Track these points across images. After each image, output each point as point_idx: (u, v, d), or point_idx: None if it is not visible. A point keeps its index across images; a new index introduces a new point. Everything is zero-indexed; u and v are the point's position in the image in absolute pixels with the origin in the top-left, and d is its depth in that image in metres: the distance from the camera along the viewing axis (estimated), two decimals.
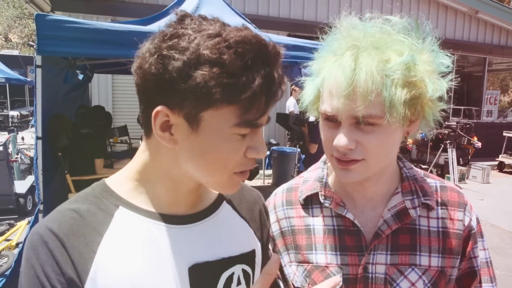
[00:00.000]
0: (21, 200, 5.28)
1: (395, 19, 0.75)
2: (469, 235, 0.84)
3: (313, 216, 0.87)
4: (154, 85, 0.57)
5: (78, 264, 0.59)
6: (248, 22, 4.38)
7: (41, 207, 2.95)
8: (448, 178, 7.94)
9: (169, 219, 0.66)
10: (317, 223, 0.86)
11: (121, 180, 0.68)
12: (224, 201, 0.76)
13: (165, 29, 0.58)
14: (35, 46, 2.78)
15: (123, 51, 2.88)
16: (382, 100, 0.68)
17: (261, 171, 6.32)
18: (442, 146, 8.10)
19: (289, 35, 8.90)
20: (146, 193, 0.67)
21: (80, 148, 3.80)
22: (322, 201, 0.85)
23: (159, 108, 0.57)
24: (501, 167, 9.95)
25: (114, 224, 0.63)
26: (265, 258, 0.81)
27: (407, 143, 8.75)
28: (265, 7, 8.77)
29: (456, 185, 7.62)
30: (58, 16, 2.85)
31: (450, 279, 0.82)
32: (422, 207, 0.82)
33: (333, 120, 0.74)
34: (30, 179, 5.76)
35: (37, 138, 2.93)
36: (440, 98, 0.75)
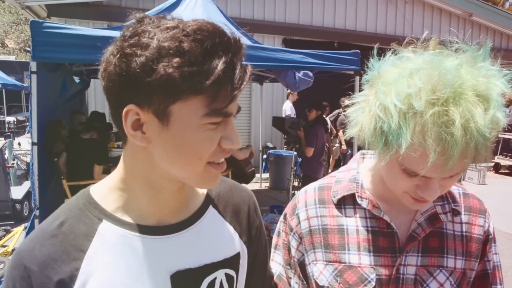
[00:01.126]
0: (18, 206, 5.26)
1: (463, 48, 0.72)
2: (487, 240, 0.88)
3: (346, 216, 0.88)
4: (120, 85, 0.57)
5: (60, 286, 0.60)
6: (238, 28, 4.41)
7: (37, 212, 2.95)
8: None
9: (152, 230, 0.67)
10: (351, 223, 0.87)
11: (105, 191, 0.68)
12: (210, 206, 0.76)
13: (125, 30, 0.59)
14: (31, 52, 2.80)
15: None
16: (473, 154, 0.66)
17: (257, 175, 6.34)
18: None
19: (284, 39, 8.96)
20: (129, 204, 0.67)
21: (81, 153, 3.81)
22: (359, 202, 0.86)
23: (128, 107, 0.57)
24: (497, 168, 10.00)
25: (97, 239, 0.64)
26: (252, 255, 0.82)
27: None
28: (260, 12, 8.82)
29: None
30: (53, 22, 2.87)
31: (469, 281, 0.86)
32: (451, 212, 0.86)
33: (419, 175, 0.70)
34: (26, 185, 5.75)
35: (33, 144, 2.94)
36: None
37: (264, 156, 7.46)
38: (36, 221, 2.95)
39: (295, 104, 7.58)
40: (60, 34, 2.75)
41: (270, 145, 8.18)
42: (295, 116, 7.20)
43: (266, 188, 7.22)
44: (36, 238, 0.63)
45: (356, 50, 3.89)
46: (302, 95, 6.86)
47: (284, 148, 7.37)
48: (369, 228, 0.85)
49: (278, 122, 5.77)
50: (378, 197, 0.87)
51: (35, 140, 2.93)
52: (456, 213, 0.86)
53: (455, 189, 0.91)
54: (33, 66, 2.83)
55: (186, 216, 0.72)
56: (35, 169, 2.94)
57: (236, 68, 0.58)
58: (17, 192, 5.42)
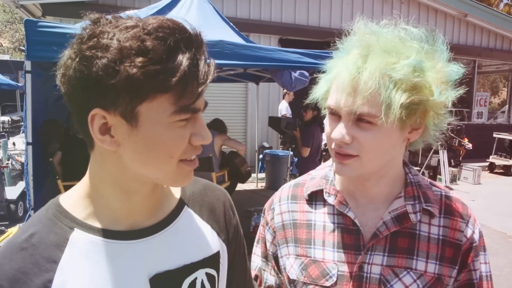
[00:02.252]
0: (12, 206, 5.23)
1: (412, 28, 0.78)
2: (471, 248, 0.84)
3: (315, 212, 0.89)
4: (83, 89, 0.55)
5: None
6: (232, 27, 4.41)
7: (32, 213, 2.93)
8: (440, 180, 8.01)
9: (127, 235, 0.66)
10: (319, 219, 0.88)
11: (75, 199, 0.67)
12: (185, 206, 0.75)
13: (81, 32, 0.57)
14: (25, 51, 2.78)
15: None
16: (381, 100, 0.70)
17: (254, 175, 6.34)
18: (433, 148, 8.18)
19: (280, 39, 8.97)
20: (101, 210, 0.66)
21: (77, 152, 3.78)
22: (326, 197, 0.87)
23: (94, 111, 0.56)
24: (491, 168, 10.08)
25: (69, 249, 0.62)
26: (231, 253, 0.81)
27: None
28: (257, 12, 8.82)
29: (448, 186, 7.70)
30: (48, 21, 2.86)
31: (446, 287, 0.83)
32: (423, 213, 0.83)
33: (335, 114, 0.78)
34: (21, 185, 5.71)
35: (27, 143, 2.92)
36: (446, 109, 0.77)
37: (260, 156, 7.46)
38: None
39: (291, 104, 7.59)
40: (54, 33, 2.73)
41: (266, 145, 8.18)
42: (291, 116, 7.21)
43: (263, 188, 7.22)
44: (4, 253, 0.61)
45: None
46: (298, 95, 6.87)
47: (280, 148, 7.38)
48: (335, 224, 0.86)
49: (274, 122, 5.78)
50: (347, 194, 0.87)
51: (30, 140, 2.91)
52: (430, 214, 0.84)
53: (436, 191, 0.88)
54: (28, 65, 2.82)
55: (160, 218, 0.70)
56: (30, 169, 2.92)
57: (200, 64, 0.57)
58: (12, 192, 5.39)
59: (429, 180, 0.92)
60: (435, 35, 0.79)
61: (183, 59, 0.55)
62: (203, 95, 0.60)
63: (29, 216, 2.96)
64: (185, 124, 0.59)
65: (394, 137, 0.76)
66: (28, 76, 2.83)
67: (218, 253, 0.76)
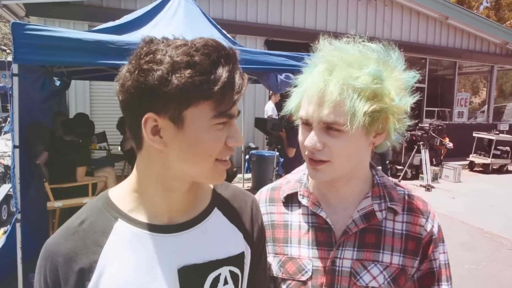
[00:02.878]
0: None
1: (370, 44, 0.86)
2: (430, 240, 0.93)
3: (291, 213, 0.97)
4: (139, 96, 0.65)
5: (80, 276, 0.70)
6: (218, 29, 4.46)
7: (18, 216, 2.93)
8: (422, 178, 8.22)
9: (162, 229, 0.74)
10: (294, 219, 0.96)
11: (122, 193, 0.77)
12: (215, 208, 0.83)
13: (138, 50, 0.67)
14: (7, 51, 2.78)
15: (101, 60, 2.92)
16: (346, 109, 0.78)
17: (240, 175, 6.39)
18: (416, 147, 8.39)
19: (266, 41, 9.04)
20: (143, 204, 0.75)
21: (63, 156, 3.79)
22: (300, 199, 0.95)
23: (147, 115, 0.65)
24: (471, 166, 10.37)
25: (113, 236, 0.73)
26: (256, 255, 0.88)
27: None
28: (243, 13, 8.88)
29: (429, 184, 7.91)
30: (35, 24, 2.86)
31: (409, 276, 0.92)
32: (388, 211, 0.92)
33: (308, 124, 0.86)
34: (5, 188, 5.63)
35: (14, 146, 2.92)
36: (406, 114, 0.85)
37: (247, 157, 7.52)
38: (18, 224, 2.92)
39: (277, 105, 7.68)
40: (42, 36, 2.74)
41: (252, 145, 8.25)
42: (277, 117, 7.29)
43: (249, 188, 7.28)
44: (61, 234, 0.73)
45: None
46: (284, 96, 6.94)
47: (266, 149, 7.45)
48: (310, 224, 0.94)
49: (260, 123, 5.85)
50: (320, 196, 0.95)
51: (17, 143, 2.91)
52: (394, 212, 0.92)
53: (400, 191, 0.97)
54: (15, 68, 2.82)
55: (193, 216, 0.79)
56: (17, 172, 2.92)
57: (236, 76, 0.67)
58: None
59: (394, 180, 1.01)
60: (391, 47, 0.87)
61: (223, 72, 0.65)
62: (237, 103, 0.69)
63: (16, 219, 2.96)
64: (223, 127, 0.69)
65: (361, 142, 0.84)
66: (15, 79, 2.83)
67: (242, 253, 0.83)
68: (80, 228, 0.73)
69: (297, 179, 1.00)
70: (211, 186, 0.87)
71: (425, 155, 8.12)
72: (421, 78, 0.89)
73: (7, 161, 7.31)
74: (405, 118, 0.86)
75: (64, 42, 2.82)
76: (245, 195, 0.93)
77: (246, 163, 7.58)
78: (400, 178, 8.33)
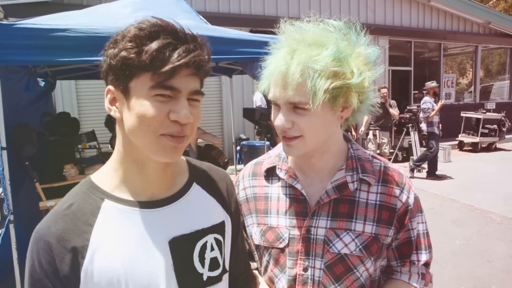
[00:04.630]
0: None
1: (331, 21, 0.89)
2: (406, 210, 0.97)
3: (271, 185, 1.02)
4: (104, 72, 0.75)
5: (74, 254, 0.73)
6: (205, 22, 4.44)
7: (11, 217, 2.92)
8: (413, 160, 8.32)
9: (147, 205, 0.79)
10: (274, 191, 1.01)
11: (103, 175, 0.82)
12: (194, 183, 0.88)
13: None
14: None
15: (84, 57, 2.90)
16: (308, 89, 0.82)
17: (232, 166, 6.42)
18: (405, 130, 8.47)
19: (251, 31, 9.01)
20: (124, 183, 0.79)
21: (49, 155, 3.78)
22: (278, 173, 1.00)
23: (108, 87, 0.75)
24: (461, 146, 10.52)
25: (101, 215, 0.76)
26: (235, 225, 0.95)
27: None
28: (225, 4, 8.82)
29: (420, 165, 8.01)
30: (14, 23, 2.82)
31: (383, 245, 0.96)
32: (361, 182, 0.96)
33: (277, 105, 0.89)
34: None
35: (2, 148, 2.91)
36: (368, 87, 0.87)
37: (238, 148, 7.55)
38: (11, 225, 2.92)
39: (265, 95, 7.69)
40: (22, 36, 2.71)
41: (243, 136, 8.27)
42: (266, 107, 7.30)
43: None
44: (50, 218, 0.77)
45: None
46: None
47: (257, 139, 7.49)
48: (287, 195, 0.99)
49: (249, 113, 5.86)
50: (297, 169, 1.00)
51: (4, 145, 2.89)
52: (369, 183, 0.96)
53: (376, 163, 1.01)
54: None
55: (174, 191, 0.84)
56: (6, 174, 2.90)
57: (176, 49, 0.69)
58: None
59: (371, 153, 1.05)
60: (353, 23, 0.90)
61: (156, 44, 0.69)
62: (189, 80, 0.72)
63: (9, 220, 2.95)
64: (166, 100, 0.71)
65: (327, 117, 0.88)
66: None
67: (223, 222, 0.89)
68: (68, 211, 0.76)
69: (277, 154, 1.05)
70: (186, 163, 0.92)
71: (414, 137, 8.21)
72: (379, 52, 0.91)
73: None
74: (368, 91, 0.89)
75: (46, 41, 2.79)
76: (219, 170, 0.99)
77: (238, 154, 7.61)
78: (391, 161, 8.43)
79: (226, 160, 4.64)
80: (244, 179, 1.08)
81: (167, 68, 0.68)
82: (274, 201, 1.00)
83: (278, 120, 0.88)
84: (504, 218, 5.15)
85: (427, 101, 7.41)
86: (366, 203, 0.95)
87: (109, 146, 5.55)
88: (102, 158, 5.77)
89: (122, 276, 0.74)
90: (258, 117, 5.11)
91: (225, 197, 0.93)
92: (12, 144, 3.18)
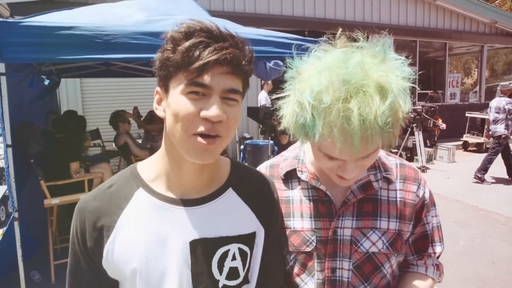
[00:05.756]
0: None
1: (366, 46, 0.80)
2: (423, 205, 0.98)
3: (292, 189, 1.00)
4: (156, 75, 0.78)
5: (100, 232, 0.79)
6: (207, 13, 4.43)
7: (16, 214, 2.94)
8: (417, 160, 8.29)
9: (177, 202, 0.81)
10: (295, 194, 0.99)
11: (147, 164, 0.86)
12: (230, 188, 0.87)
13: None
14: None
15: (89, 55, 2.91)
16: (374, 140, 0.76)
17: (260, 165, 6.44)
18: (409, 129, 8.44)
19: None
20: (161, 176, 0.83)
21: (55, 153, 3.79)
22: (299, 175, 0.98)
23: (156, 89, 0.79)
24: (465, 146, 10.46)
25: (133, 202, 0.81)
26: (270, 238, 0.90)
27: None
28: (230, 4, 8.81)
29: (424, 166, 7.98)
30: (21, 21, 2.83)
31: (405, 239, 0.97)
32: (383, 180, 0.96)
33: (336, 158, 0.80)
34: (1, 189, 5.62)
35: (7, 146, 2.92)
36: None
37: (242, 147, 7.54)
38: (16, 223, 2.94)
39: (270, 93, 7.68)
40: (29, 33, 2.72)
41: (247, 135, 8.26)
42: (270, 106, 7.30)
43: None
44: (93, 193, 0.84)
45: (325, 38, 3.99)
46: (276, 84, 6.94)
47: (261, 138, 7.48)
48: (310, 197, 0.97)
49: (253, 112, 5.86)
50: (318, 171, 0.98)
51: (10, 142, 2.90)
52: (389, 181, 0.96)
53: (392, 161, 1.01)
54: (2, 67, 2.80)
55: (206, 193, 0.84)
56: (11, 171, 2.92)
57: (209, 47, 0.70)
58: None
59: (385, 151, 1.03)
60: (384, 44, 0.81)
61: (187, 43, 0.70)
62: (223, 78, 0.71)
63: (13, 217, 2.97)
64: (199, 98, 0.71)
65: None
66: (3, 78, 2.81)
67: (254, 233, 0.86)
68: (108, 191, 0.83)
69: (294, 155, 1.03)
70: (229, 166, 0.90)
71: (419, 137, 8.18)
72: (411, 60, 0.85)
73: (2, 163, 7.28)
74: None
75: (52, 39, 2.80)
76: (264, 178, 0.95)
77: (242, 153, 7.60)
78: None
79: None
80: None
81: (196, 65, 0.69)
82: (296, 204, 0.98)
83: (348, 174, 0.82)
84: (508, 219, 5.11)
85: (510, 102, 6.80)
86: (388, 200, 0.96)
87: (113, 144, 5.56)
88: (106, 156, 5.79)
89: (137, 263, 0.77)
90: (262, 116, 5.11)
91: (263, 207, 0.89)
92: (17, 142, 3.19)
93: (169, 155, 0.81)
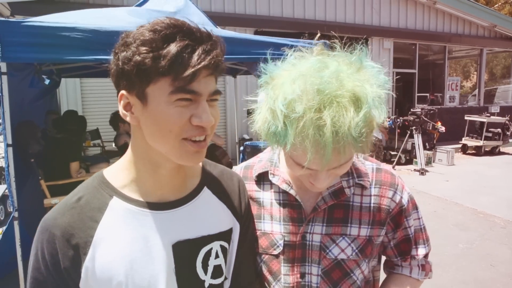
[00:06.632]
0: None
1: (342, 55, 0.79)
2: (401, 211, 0.97)
3: (263, 191, 0.99)
4: (116, 77, 0.71)
5: (76, 249, 0.72)
6: (209, 18, 4.45)
7: (16, 214, 2.94)
8: (416, 163, 8.30)
9: (155, 206, 0.77)
10: (266, 197, 0.98)
11: (115, 172, 0.80)
12: (205, 187, 0.86)
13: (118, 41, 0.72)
14: None
15: (90, 55, 2.91)
16: (346, 151, 0.75)
17: (235, 167, 6.43)
18: (409, 132, 8.46)
19: (256, 32, 9.02)
20: (135, 182, 0.78)
21: (55, 153, 3.79)
22: (271, 178, 0.97)
23: (121, 92, 0.71)
24: (464, 149, 10.48)
25: (108, 212, 0.75)
26: (243, 231, 0.91)
27: None
28: (231, 4, 8.83)
29: (423, 168, 7.99)
30: (22, 20, 2.83)
31: (376, 244, 0.97)
32: (356, 186, 0.95)
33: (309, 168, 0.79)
34: (0, 189, 5.62)
35: (8, 145, 2.92)
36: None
37: (241, 148, 7.54)
38: (16, 222, 2.93)
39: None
40: (30, 33, 2.72)
41: (246, 137, 8.26)
42: None
43: None
44: (58, 209, 0.76)
45: (324, 40, 4.01)
46: None
47: (260, 139, 7.47)
48: (281, 201, 0.96)
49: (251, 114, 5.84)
50: (291, 175, 0.97)
51: (10, 142, 2.90)
52: (362, 187, 0.95)
53: (368, 165, 1.00)
54: (3, 67, 2.80)
55: (184, 194, 0.82)
56: (11, 170, 2.92)
57: (195, 52, 0.67)
58: None
59: (363, 155, 1.01)
60: (361, 52, 0.80)
61: (174, 47, 0.66)
62: (208, 81, 0.69)
63: (13, 217, 2.97)
64: (187, 104, 0.68)
65: None
66: (5, 77, 2.81)
67: (231, 229, 0.87)
68: (77, 204, 0.76)
69: (268, 158, 1.02)
70: (200, 165, 0.90)
71: (418, 139, 8.20)
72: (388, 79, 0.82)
73: (1, 163, 7.27)
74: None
75: (53, 39, 2.80)
76: (233, 174, 0.97)
77: (241, 155, 7.61)
78: (394, 163, 8.41)
79: (229, 160, 4.64)
80: None
81: (188, 72, 0.65)
82: (267, 207, 0.97)
83: (319, 183, 0.82)
84: (507, 222, 5.12)
85: None
86: (361, 206, 0.95)
87: (113, 144, 5.56)
88: (106, 156, 5.79)
89: (122, 276, 0.72)
90: None
91: (236, 202, 0.91)
92: (17, 141, 3.19)
93: (143, 161, 0.76)
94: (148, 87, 0.68)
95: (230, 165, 4.69)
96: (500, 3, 22.02)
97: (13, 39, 2.70)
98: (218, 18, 7.26)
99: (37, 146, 3.59)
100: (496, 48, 13.42)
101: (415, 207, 1.02)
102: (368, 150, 0.79)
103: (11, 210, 3.00)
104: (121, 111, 0.72)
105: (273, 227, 0.96)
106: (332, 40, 0.84)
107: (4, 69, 2.81)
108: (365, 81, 0.75)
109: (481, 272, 3.72)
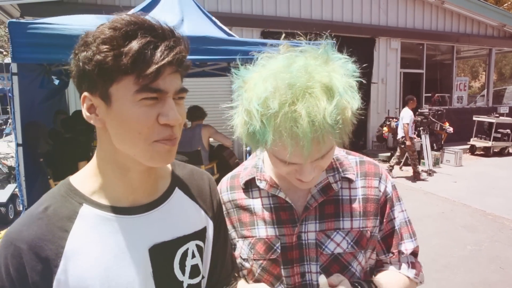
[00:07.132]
0: (2, 209, 5.23)
1: (308, 49, 0.80)
2: (386, 200, 0.99)
3: (253, 197, 0.99)
4: (77, 77, 0.68)
5: (46, 262, 0.68)
6: (214, 22, 4.46)
7: None
8: (424, 163, 8.25)
9: (127, 211, 0.75)
10: (256, 203, 0.99)
11: (83, 178, 0.77)
12: (176, 187, 0.85)
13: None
14: (4, 52, 2.79)
15: None
16: (325, 140, 0.76)
17: (222, 178, 6.45)
18: (416, 132, 8.40)
19: (263, 32, 9.03)
20: (105, 188, 0.75)
21: (64, 152, 3.82)
22: (258, 184, 0.98)
23: (83, 94, 0.68)
24: (472, 150, 10.38)
25: (79, 221, 0.71)
26: (217, 228, 0.91)
27: (383, 131, 9.03)
28: (238, 5, 8.85)
29: (431, 169, 7.93)
30: (32, 22, 2.87)
31: (372, 236, 0.97)
32: (343, 180, 0.97)
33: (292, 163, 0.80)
34: (10, 188, 5.69)
35: (18, 145, 2.96)
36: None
37: (248, 149, 7.55)
38: None
39: None
40: (40, 34, 2.76)
41: None
42: None
43: None
44: (23, 221, 0.71)
45: (331, 40, 3.99)
46: None
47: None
48: (271, 205, 0.97)
49: None
50: (278, 177, 0.97)
51: (20, 141, 2.94)
52: (349, 180, 0.96)
53: (352, 159, 1.01)
54: (14, 67, 2.84)
55: (156, 197, 0.80)
56: (21, 170, 2.95)
57: (158, 49, 0.65)
58: (1, 195, 5.37)
59: (345, 150, 1.03)
60: (326, 45, 0.81)
61: (135, 44, 0.63)
62: (173, 79, 0.67)
63: None
64: (153, 103, 0.66)
65: None
66: (15, 78, 2.86)
67: (205, 228, 0.87)
68: (44, 214, 0.71)
69: (253, 164, 1.02)
70: (169, 167, 0.88)
71: (425, 140, 8.14)
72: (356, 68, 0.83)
73: (10, 162, 7.36)
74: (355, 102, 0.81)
75: (62, 39, 2.83)
76: (202, 173, 0.96)
77: (248, 155, 7.61)
78: (402, 164, 8.36)
79: (236, 161, 4.65)
80: (222, 194, 1.03)
81: (151, 69, 0.63)
82: (259, 212, 0.98)
83: (306, 176, 0.82)
84: None
85: None
86: (350, 199, 0.96)
87: None
88: None
89: (98, 286, 0.69)
90: None
91: (207, 201, 0.91)
92: (26, 141, 3.23)
93: (111, 165, 0.73)
94: (111, 87, 0.65)
95: (237, 166, 4.69)
96: (509, 2, 21.80)
97: (23, 40, 2.74)
98: (224, 19, 7.26)
99: (45, 146, 3.63)
100: (505, 48, 13.27)
101: (399, 199, 1.03)
102: (347, 138, 0.80)
103: (21, 209, 3.04)
104: (85, 113, 0.69)
105: (267, 231, 0.96)
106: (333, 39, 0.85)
107: (15, 70, 2.85)
108: (332, 71, 0.77)
109: (490, 275, 3.68)
